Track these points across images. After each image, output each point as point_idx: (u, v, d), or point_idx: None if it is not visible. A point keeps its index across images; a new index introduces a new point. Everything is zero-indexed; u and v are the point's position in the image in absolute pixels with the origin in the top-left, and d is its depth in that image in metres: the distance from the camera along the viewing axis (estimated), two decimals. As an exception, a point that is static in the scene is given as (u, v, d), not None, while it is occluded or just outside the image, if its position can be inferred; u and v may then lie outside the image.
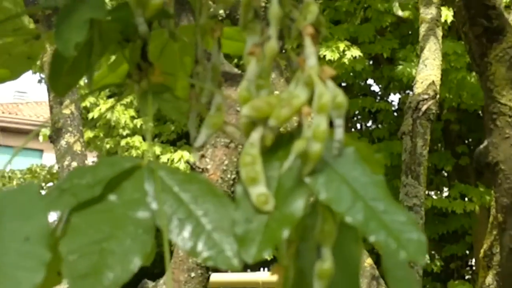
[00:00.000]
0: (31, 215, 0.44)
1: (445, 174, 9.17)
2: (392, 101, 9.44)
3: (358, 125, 9.46)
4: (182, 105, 0.60)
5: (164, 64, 0.69)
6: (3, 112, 16.19)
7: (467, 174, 8.58)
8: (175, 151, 8.05)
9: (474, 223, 8.30)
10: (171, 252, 2.31)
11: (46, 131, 8.97)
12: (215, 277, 5.19)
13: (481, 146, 2.15)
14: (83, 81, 0.67)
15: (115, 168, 0.50)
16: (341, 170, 0.50)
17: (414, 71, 6.11)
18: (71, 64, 0.61)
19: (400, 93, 9.02)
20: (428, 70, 3.58)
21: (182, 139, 8.74)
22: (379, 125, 9.11)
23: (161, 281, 2.45)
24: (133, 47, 0.61)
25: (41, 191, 0.49)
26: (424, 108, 3.42)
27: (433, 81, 3.50)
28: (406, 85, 7.63)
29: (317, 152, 0.49)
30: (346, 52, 6.90)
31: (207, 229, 0.48)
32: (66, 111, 3.64)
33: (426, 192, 6.71)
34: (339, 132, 0.51)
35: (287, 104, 0.51)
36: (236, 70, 2.77)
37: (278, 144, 0.52)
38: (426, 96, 3.44)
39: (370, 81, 9.07)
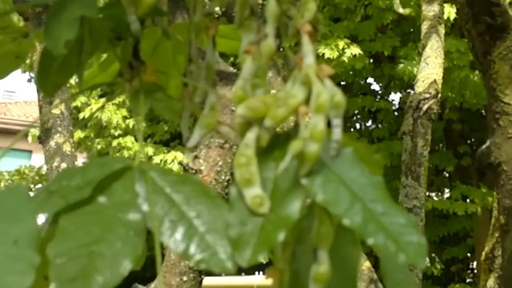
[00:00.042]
0: (19, 217, 0.44)
1: (447, 175, 9.18)
2: (392, 100, 9.46)
3: (358, 125, 9.47)
4: (175, 104, 0.60)
5: (157, 63, 0.69)
6: (-9, 112, 16.17)
7: (469, 175, 8.59)
8: (168, 151, 8.05)
9: (475, 225, 8.31)
10: (163, 255, 2.32)
11: (35, 131, 8.96)
12: (208, 281, 5.19)
13: (483, 146, 2.15)
14: (73, 80, 0.67)
15: (105, 169, 0.50)
16: (339, 171, 0.50)
17: (415, 69, 6.12)
18: (60, 63, 0.61)
19: (401, 92, 9.03)
20: (429, 68, 3.58)
21: (175, 140, 8.74)
22: (379, 125, 9.12)
23: (152, 285, 2.45)
24: (124, 45, 0.61)
25: (29, 192, 0.49)
26: (425, 107, 3.43)
27: (434, 80, 3.51)
28: (407, 84, 7.64)
29: (314, 153, 0.49)
30: (346, 50, 6.90)
31: (200, 231, 0.48)
32: (56, 111, 3.64)
33: (427, 193, 6.72)
34: (337, 132, 0.51)
35: (283, 103, 0.51)
36: (231, 69, 2.77)
37: (274, 145, 0.52)
38: (427, 95, 3.45)
39: (370, 80, 9.08)
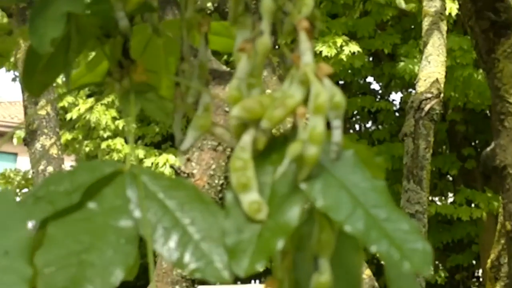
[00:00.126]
0: (9, 226, 0.44)
1: (450, 178, 9.19)
2: (393, 100, 9.48)
3: (357, 126, 9.48)
4: (167, 105, 0.60)
5: (148, 61, 0.69)
6: (-27, 113, 16.13)
7: (473, 178, 8.61)
8: (160, 154, 8.05)
9: (481, 231, 8.33)
10: (154, 263, 2.31)
11: (20, 133, 8.94)
12: (202, 290, 5.18)
13: (488, 149, 2.16)
14: (60, 79, 0.67)
15: (94, 173, 0.50)
16: (339, 175, 0.50)
17: (416, 68, 6.13)
18: (46, 62, 0.61)
19: (401, 92, 9.05)
20: (431, 67, 3.59)
21: (167, 142, 8.73)
22: (380, 126, 9.13)
23: (144, 294, 2.44)
24: (113, 43, 0.61)
25: (16, 198, 0.48)
26: (427, 107, 3.43)
27: (437, 79, 3.51)
28: (408, 83, 7.65)
29: (314, 156, 0.49)
30: (344, 48, 6.91)
31: (195, 239, 0.47)
32: (42, 112, 3.64)
33: (430, 198, 6.73)
34: (337, 134, 0.51)
35: (280, 104, 0.51)
36: (224, 68, 2.77)
37: (271, 148, 0.51)
38: (429, 95, 3.45)
39: (369, 79, 9.09)
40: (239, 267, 0.46)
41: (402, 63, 7.09)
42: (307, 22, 0.53)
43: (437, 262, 8.78)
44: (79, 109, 7.96)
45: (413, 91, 3.71)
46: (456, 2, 5.92)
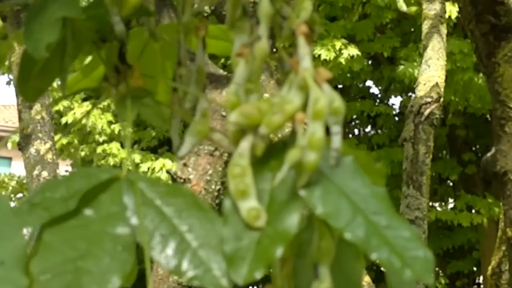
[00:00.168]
0: (4, 235, 0.44)
1: (450, 184, 9.19)
2: (392, 104, 9.48)
3: (356, 131, 9.48)
4: (164, 110, 0.60)
5: (144, 66, 0.69)
6: (-33, 117, 16.12)
7: (474, 184, 8.60)
8: (156, 159, 8.04)
9: (481, 238, 8.32)
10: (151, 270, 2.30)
11: (15, 137, 8.93)
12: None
13: (489, 154, 2.16)
14: (55, 83, 0.67)
15: (91, 179, 0.50)
16: (339, 181, 0.50)
17: (416, 71, 6.13)
18: (41, 67, 0.61)
19: (401, 96, 9.05)
20: (431, 70, 3.59)
21: (163, 146, 8.72)
22: (379, 131, 9.13)
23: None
24: (109, 48, 0.61)
25: (10, 203, 0.48)
26: (427, 112, 3.43)
27: (436, 83, 3.51)
28: (407, 87, 7.65)
29: (313, 162, 0.49)
30: (343, 51, 6.91)
31: (193, 246, 0.47)
32: (36, 116, 3.63)
33: (430, 204, 6.73)
34: (337, 140, 0.51)
35: (279, 110, 0.51)
36: (221, 72, 2.77)
37: (270, 154, 0.52)
38: (429, 99, 3.45)
39: (369, 83, 9.09)
40: (237, 275, 0.46)
41: (401, 67, 7.09)
42: (305, 26, 0.53)
43: (437, 269, 8.77)
44: (74, 113, 7.95)
45: (413, 95, 3.71)
46: (456, 5, 5.93)
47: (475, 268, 9.07)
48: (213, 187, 2.49)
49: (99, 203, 0.49)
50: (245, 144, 0.51)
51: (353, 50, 6.95)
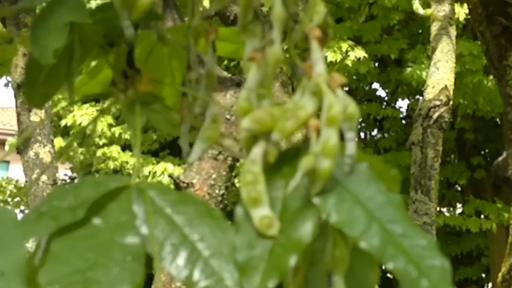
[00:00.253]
0: (6, 246, 0.44)
1: (459, 188, 9.18)
2: (400, 107, 9.47)
3: (362, 134, 9.48)
4: (173, 116, 0.60)
5: (151, 69, 0.69)
6: (-36, 119, 16.13)
7: (483, 188, 8.59)
8: (158, 162, 8.04)
9: (491, 243, 8.31)
10: (152, 276, 2.31)
11: (12, 140, 8.94)
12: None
13: (500, 159, 2.16)
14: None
15: (99, 188, 0.50)
16: (353, 189, 0.50)
17: (424, 74, 6.13)
18: (48, 72, 0.61)
19: (409, 99, 9.04)
20: (440, 73, 3.59)
21: (165, 150, 8.72)
22: (386, 134, 9.12)
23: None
24: (118, 52, 0.61)
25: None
26: (435, 115, 3.43)
27: (445, 86, 3.51)
28: (415, 89, 7.65)
29: (327, 169, 0.49)
30: (350, 53, 6.91)
31: (204, 256, 0.47)
32: (35, 118, 3.63)
33: (438, 209, 6.72)
34: (351, 147, 0.51)
35: (292, 115, 0.51)
36: (225, 74, 2.77)
37: (283, 161, 0.51)
38: (438, 102, 3.45)
39: (375, 85, 9.09)
40: (250, 285, 0.46)
41: (409, 69, 7.08)
42: (319, 30, 0.53)
43: (445, 276, 8.74)
44: (74, 115, 7.95)
45: (420, 98, 3.71)
46: (465, 7, 5.93)
47: (484, 275, 9.05)
48: (216, 191, 2.49)
49: (108, 212, 0.49)
50: (257, 151, 0.51)
51: (359, 52, 6.94)
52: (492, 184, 8.10)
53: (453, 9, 3.87)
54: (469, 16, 4.50)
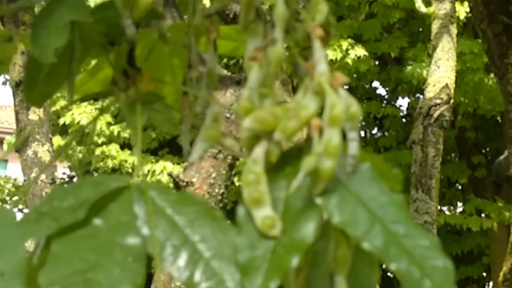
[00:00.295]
0: (6, 247, 0.44)
1: (460, 187, 9.18)
2: (400, 106, 9.47)
3: (363, 133, 9.47)
4: (174, 115, 0.60)
5: (152, 68, 0.69)
6: (-38, 118, 16.13)
7: (484, 187, 8.59)
8: (157, 161, 8.03)
9: (491, 242, 8.31)
10: (151, 275, 2.30)
11: (11, 139, 8.93)
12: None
13: (501, 158, 2.16)
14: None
15: (100, 188, 0.50)
16: (356, 189, 0.50)
17: (425, 72, 6.12)
18: (48, 71, 0.61)
19: (409, 97, 9.04)
20: (441, 71, 3.59)
21: (164, 148, 8.72)
22: (386, 133, 9.12)
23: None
24: (118, 51, 0.60)
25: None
26: (436, 114, 3.43)
27: (446, 84, 3.51)
28: (416, 88, 7.64)
29: (329, 170, 0.49)
30: (350, 51, 6.90)
31: (205, 257, 0.47)
32: (34, 117, 3.63)
33: (438, 208, 6.72)
34: (354, 147, 0.51)
35: (294, 115, 0.51)
36: (225, 72, 2.77)
37: (285, 161, 0.51)
38: (438, 101, 3.45)
39: (376, 84, 9.09)
40: (252, 285, 0.46)
41: (409, 67, 7.07)
42: (321, 30, 0.53)
43: (445, 275, 8.73)
44: (72, 114, 7.94)
45: (421, 96, 3.71)
46: (465, 5, 5.93)
47: (484, 274, 9.06)
48: (216, 190, 2.49)
49: (108, 212, 0.49)
50: (259, 151, 0.51)
51: (360, 50, 6.94)
52: (493, 183, 8.10)
53: (454, 7, 3.87)
54: (469, 14, 4.51)
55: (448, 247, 8.24)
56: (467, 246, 8.38)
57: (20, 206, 9.27)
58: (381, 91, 9.28)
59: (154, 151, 8.65)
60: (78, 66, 0.60)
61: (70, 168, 9.24)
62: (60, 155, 8.45)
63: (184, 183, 2.46)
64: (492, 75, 6.23)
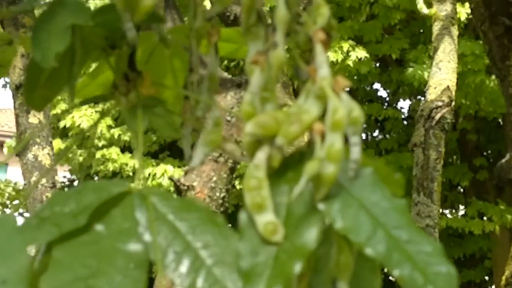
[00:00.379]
0: (8, 253, 0.44)
1: (461, 190, 9.18)
2: (401, 108, 9.45)
3: (364, 135, 9.47)
4: (176, 120, 0.60)
5: (152, 71, 0.69)
6: (-38, 121, 16.13)
7: (485, 190, 8.59)
8: (157, 164, 8.03)
9: (493, 246, 8.31)
10: (152, 280, 2.30)
11: (11, 142, 8.93)
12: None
13: (503, 160, 2.16)
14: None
15: (101, 193, 0.50)
16: (358, 194, 0.49)
17: (426, 74, 6.12)
18: (49, 75, 0.61)
19: (410, 99, 9.04)
20: (442, 73, 3.59)
21: (164, 151, 8.72)
22: (387, 135, 9.11)
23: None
24: (119, 55, 0.60)
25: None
26: (438, 116, 3.43)
27: (448, 86, 3.51)
28: (417, 90, 7.64)
29: (332, 175, 0.48)
30: (351, 53, 6.91)
31: (207, 264, 0.47)
32: (34, 120, 3.63)
33: (440, 211, 6.72)
34: (356, 151, 0.51)
35: (296, 120, 0.51)
36: (226, 75, 2.77)
37: (287, 166, 0.51)
38: (440, 103, 3.45)
39: (377, 86, 9.08)
40: (254, 292, 0.46)
41: (410, 69, 7.08)
42: (323, 33, 0.53)
43: (447, 278, 8.72)
44: (72, 117, 7.94)
45: (422, 98, 3.71)
46: (466, 6, 5.93)
47: (487, 278, 9.05)
48: (217, 194, 2.49)
49: (110, 218, 0.49)
50: (261, 155, 0.50)
51: (360, 52, 6.94)
52: (495, 186, 8.10)
53: (455, 9, 3.87)
54: (470, 16, 4.51)
55: (450, 250, 8.24)
56: (469, 249, 8.38)
57: (21, 210, 9.27)
58: (382, 93, 9.30)
59: (155, 154, 8.65)
60: (79, 69, 0.60)
61: (71, 171, 9.24)
62: (61, 159, 8.45)
63: (185, 187, 2.46)
64: (493, 77, 6.23)
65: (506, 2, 2.12)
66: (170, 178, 2.74)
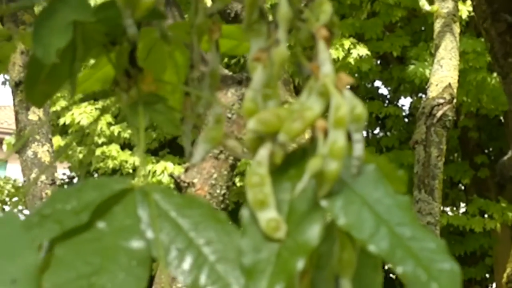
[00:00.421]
0: (16, 252, 0.44)
1: (462, 187, 9.17)
2: (402, 105, 9.43)
3: (364, 133, 9.45)
4: (176, 116, 0.60)
5: (152, 67, 0.69)
6: (-39, 118, 16.13)
7: (487, 187, 8.59)
8: (158, 161, 8.03)
9: (494, 243, 8.31)
10: (152, 277, 2.31)
11: (10, 139, 8.93)
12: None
13: (505, 158, 2.16)
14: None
15: (103, 190, 0.50)
16: (361, 191, 0.49)
17: (427, 71, 6.12)
18: (49, 71, 0.61)
19: (411, 97, 9.03)
20: (443, 71, 3.59)
21: (164, 148, 8.72)
22: (388, 133, 9.11)
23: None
24: (120, 51, 0.60)
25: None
26: (439, 114, 3.43)
27: (449, 84, 3.51)
28: (418, 87, 7.63)
29: (335, 171, 0.48)
30: (352, 51, 6.90)
31: (210, 260, 0.47)
32: (33, 117, 3.63)
33: (441, 208, 6.72)
34: (359, 148, 0.51)
35: (299, 117, 0.51)
36: (226, 72, 2.77)
37: (289, 163, 0.51)
38: (441, 101, 3.45)
39: (378, 83, 9.08)
40: (257, 289, 0.46)
41: (412, 67, 7.07)
42: (326, 30, 0.53)
43: (448, 276, 8.72)
44: (72, 114, 7.94)
45: (423, 96, 3.71)
46: (467, 4, 5.92)
47: (488, 275, 9.05)
48: (218, 191, 2.49)
49: (112, 215, 0.49)
50: (263, 152, 0.50)
51: (362, 50, 6.93)
52: (496, 183, 8.10)
53: (457, 6, 3.87)
54: (472, 13, 4.50)
55: (451, 248, 8.14)
56: (470, 247, 8.38)
57: (20, 207, 9.27)
58: (383, 90, 9.29)
59: (155, 151, 8.64)
60: (80, 66, 0.60)
61: (70, 168, 9.24)
62: (60, 156, 8.45)
63: (186, 184, 2.46)
64: (495, 74, 6.23)
65: (508, -2, 2.12)
66: (171, 175, 2.74)
